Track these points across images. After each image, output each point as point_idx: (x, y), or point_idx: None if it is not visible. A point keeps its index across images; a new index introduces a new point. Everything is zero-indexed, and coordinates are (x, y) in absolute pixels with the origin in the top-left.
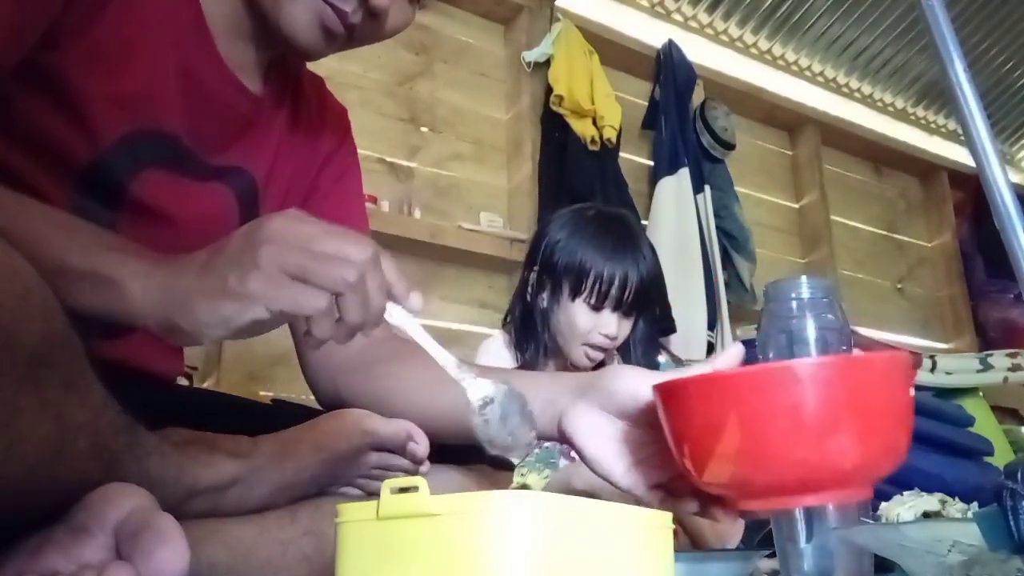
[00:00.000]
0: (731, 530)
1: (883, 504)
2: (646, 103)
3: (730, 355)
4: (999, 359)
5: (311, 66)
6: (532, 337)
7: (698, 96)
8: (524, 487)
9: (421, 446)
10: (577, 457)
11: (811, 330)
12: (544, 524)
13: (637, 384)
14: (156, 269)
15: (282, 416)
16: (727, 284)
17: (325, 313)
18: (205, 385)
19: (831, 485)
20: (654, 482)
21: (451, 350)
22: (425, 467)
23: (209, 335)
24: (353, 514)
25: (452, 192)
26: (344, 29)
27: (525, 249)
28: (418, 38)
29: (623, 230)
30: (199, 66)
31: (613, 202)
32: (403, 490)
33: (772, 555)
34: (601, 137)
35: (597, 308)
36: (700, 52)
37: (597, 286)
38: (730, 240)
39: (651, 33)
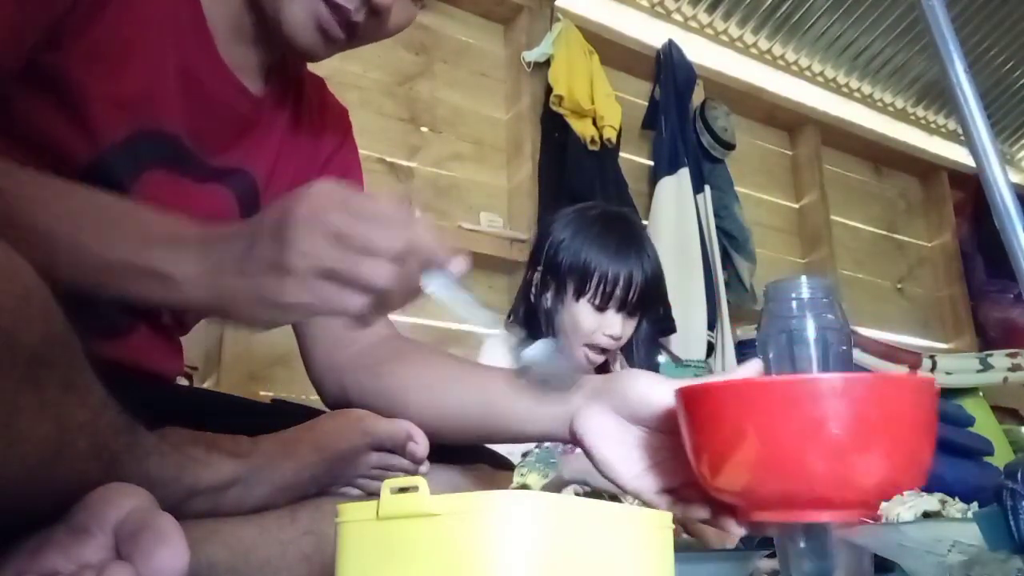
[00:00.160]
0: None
1: (883, 504)
2: (646, 103)
3: (750, 368)
4: (999, 359)
5: (311, 66)
6: (536, 338)
7: (698, 96)
8: (524, 487)
9: (421, 446)
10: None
11: (811, 330)
12: (544, 524)
13: (652, 389)
14: (205, 260)
15: (282, 416)
16: (727, 284)
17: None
18: (205, 385)
19: (849, 504)
20: (663, 487)
21: (450, 350)
22: (425, 467)
23: (262, 329)
24: (353, 514)
25: (452, 192)
26: (343, 29)
27: (525, 249)
28: (418, 38)
29: (627, 230)
30: (199, 67)
31: (613, 202)
32: (403, 490)
33: (772, 555)
34: (601, 137)
35: (601, 308)
36: (700, 52)
37: (601, 286)
38: (730, 240)
39: (651, 33)
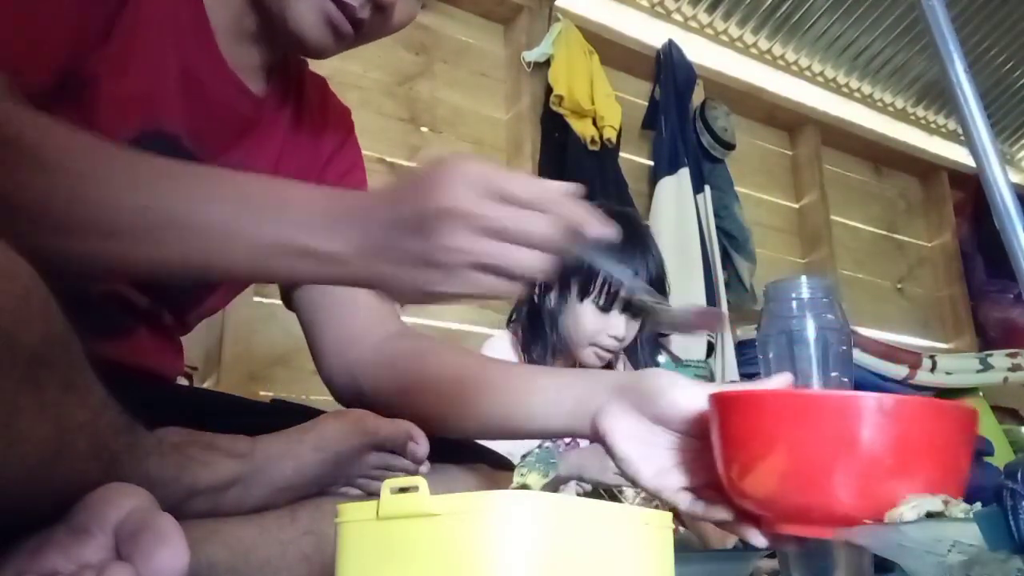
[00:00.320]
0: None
1: None
2: (646, 103)
3: (779, 380)
4: (999, 359)
5: (311, 66)
6: (539, 337)
7: (698, 96)
8: (524, 487)
9: (421, 446)
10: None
11: (811, 330)
12: (544, 524)
13: (682, 392)
14: (359, 238)
15: (282, 416)
16: (727, 284)
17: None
18: (205, 385)
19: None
20: (683, 487)
21: None
22: (425, 467)
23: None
24: (353, 514)
25: None
26: (351, 25)
27: None
28: (418, 38)
29: (631, 229)
30: (200, 67)
31: (613, 202)
32: (403, 490)
33: (772, 555)
34: (601, 137)
35: (606, 309)
36: (700, 52)
37: (605, 287)
38: (730, 240)
39: (651, 33)
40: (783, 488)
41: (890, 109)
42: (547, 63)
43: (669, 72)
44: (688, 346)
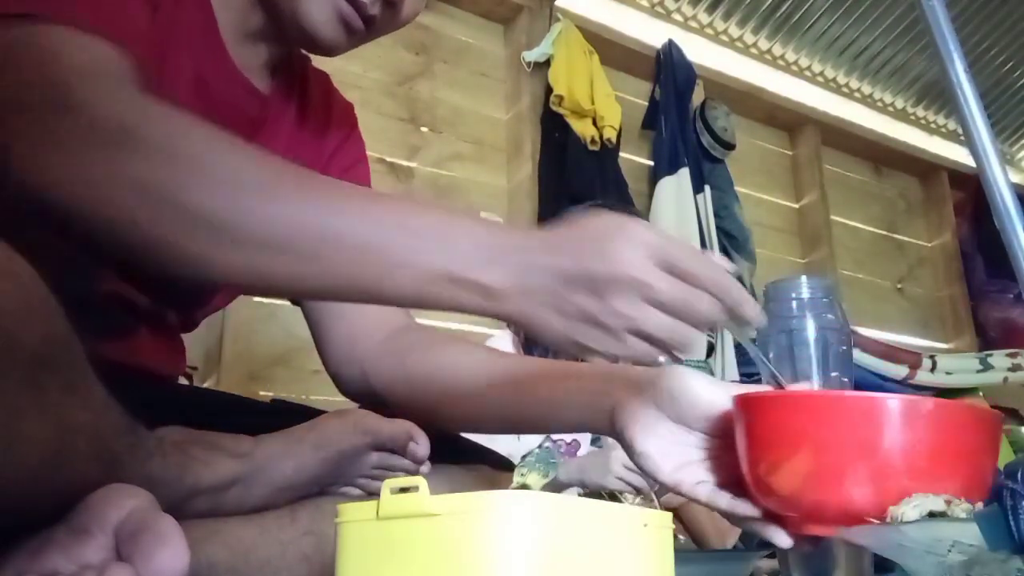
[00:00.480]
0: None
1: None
2: (646, 103)
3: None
4: (999, 359)
5: (313, 62)
6: (538, 341)
7: (698, 96)
8: (524, 487)
9: (422, 446)
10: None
11: (811, 330)
12: (544, 524)
13: (705, 391)
14: (518, 276)
15: (282, 416)
16: None
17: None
18: (205, 385)
19: None
20: (701, 480)
21: None
22: (425, 467)
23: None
24: (353, 514)
25: (452, 192)
26: (363, 22)
27: None
28: (418, 38)
29: None
30: (209, 69)
31: (613, 202)
32: (403, 490)
33: (772, 555)
34: (601, 137)
35: None
36: (700, 52)
37: None
38: (730, 240)
39: (651, 33)
40: (818, 488)
41: (890, 109)
42: (547, 63)
43: (669, 72)
44: None
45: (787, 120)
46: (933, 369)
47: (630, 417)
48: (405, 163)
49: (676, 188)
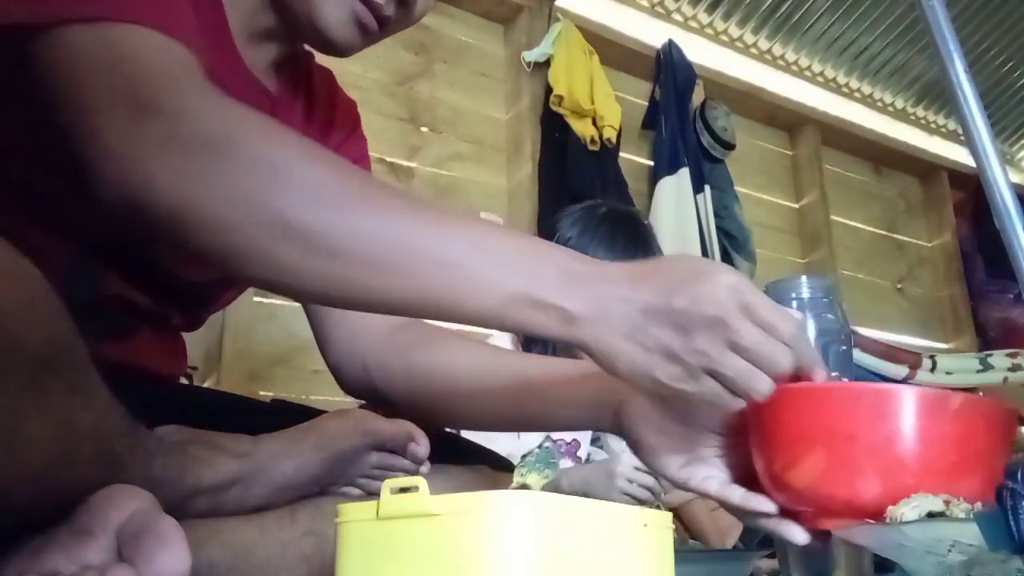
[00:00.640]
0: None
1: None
2: (646, 103)
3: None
4: (999, 359)
5: (316, 59)
6: (537, 341)
7: (698, 96)
8: (524, 487)
9: (422, 446)
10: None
11: (811, 330)
12: (544, 524)
13: None
14: (596, 304)
15: (282, 416)
16: None
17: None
18: (205, 385)
19: None
20: (710, 476)
21: None
22: (425, 467)
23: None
24: (353, 514)
25: (452, 192)
26: (377, 23)
27: None
28: (418, 38)
29: (634, 229)
30: (221, 70)
31: (613, 202)
32: (403, 490)
33: (772, 555)
34: (601, 137)
35: None
36: (700, 52)
37: None
38: (730, 240)
39: (651, 33)
40: (839, 483)
41: (890, 109)
42: (547, 63)
43: (669, 72)
44: None
45: (787, 120)
46: (933, 369)
47: (636, 414)
48: (405, 163)
49: (676, 188)
